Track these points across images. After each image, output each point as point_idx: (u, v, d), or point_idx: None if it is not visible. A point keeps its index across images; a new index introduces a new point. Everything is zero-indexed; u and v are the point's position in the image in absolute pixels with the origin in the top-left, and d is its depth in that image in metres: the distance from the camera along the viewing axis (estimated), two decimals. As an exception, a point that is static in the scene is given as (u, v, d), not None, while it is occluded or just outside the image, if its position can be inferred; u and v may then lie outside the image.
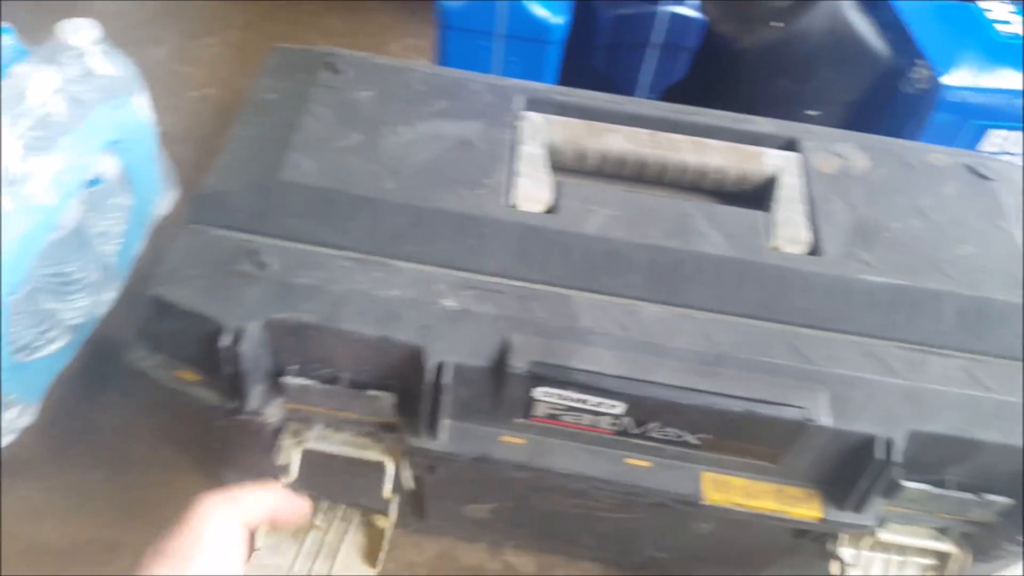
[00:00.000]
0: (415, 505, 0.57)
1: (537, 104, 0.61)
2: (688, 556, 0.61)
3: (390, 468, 0.50)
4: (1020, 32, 0.88)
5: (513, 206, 0.53)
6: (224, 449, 0.59)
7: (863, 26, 0.80)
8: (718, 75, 0.83)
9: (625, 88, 0.86)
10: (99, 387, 0.75)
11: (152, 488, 0.68)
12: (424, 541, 0.67)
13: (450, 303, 0.47)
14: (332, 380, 0.48)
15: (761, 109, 0.63)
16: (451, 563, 0.67)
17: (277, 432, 0.50)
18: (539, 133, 0.58)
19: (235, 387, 0.46)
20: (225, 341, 0.44)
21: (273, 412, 0.49)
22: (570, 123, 0.59)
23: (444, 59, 0.83)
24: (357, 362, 0.47)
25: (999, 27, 0.89)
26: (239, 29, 1.24)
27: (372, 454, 0.50)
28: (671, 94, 0.86)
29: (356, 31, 1.32)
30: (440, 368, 0.45)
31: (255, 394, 0.48)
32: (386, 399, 0.47)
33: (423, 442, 0.48)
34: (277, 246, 0.49)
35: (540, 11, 0.78)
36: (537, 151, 0.56)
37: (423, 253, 0.50)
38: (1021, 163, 0.72)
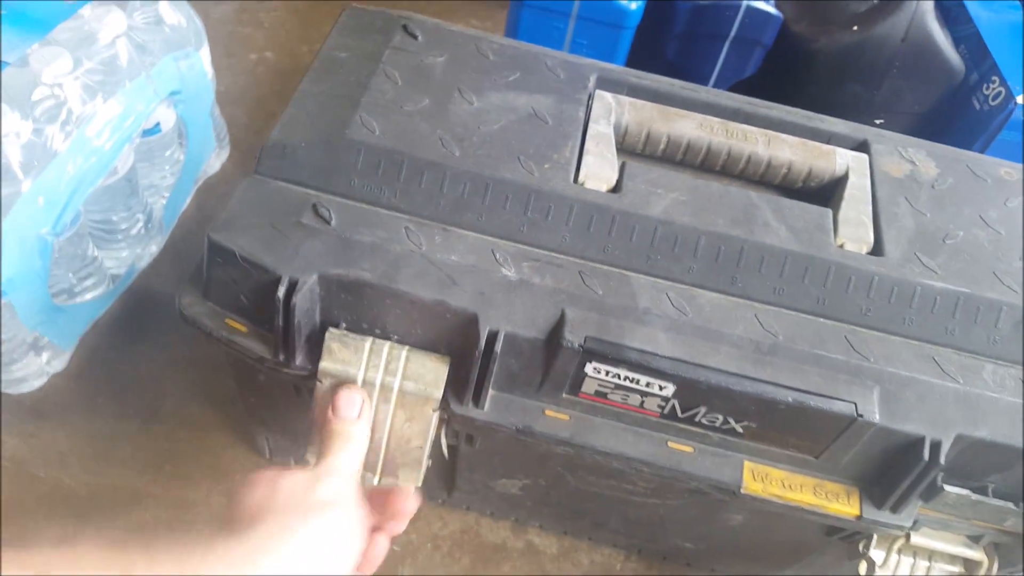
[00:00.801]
0: (446, 476, 0.58)
1: (610, 84, 0.60)
2: (714, 548, 0.61)
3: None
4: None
5: (579, 183, 0.53)
6: (261, 406, 0.59)
7: (941, 38, 0.79)
8: (789, 74, 0.82)
9: (695, 79, 0.85)
10: (133, 339, 0.75)
11: (180, 443, 0.68)
12: (449, 515, 0.68)
13: (509, 273, 0.47)
14: (386, 339, 0.48)
15: (829, 112, 0.62)
16: (474, 538, 0.67)
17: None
18: (610, 113, 0.58)
19: (285, 340, 0.47)
20: (281, 291, 0.45)
21: (319, 368, 0.49)
22: (642, 105, 0.59)
23: (515, 36, 0.83)
24: (410, 324, 0.47)
25: (1079, 49, 0.87)
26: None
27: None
28: (740, 89, 0.85)
29: (420, 8, 1.33)
30: (493, 336, 0.45)
31: (303, 348, 0.48)
32: (435, 362, 0.47)
33: (467, 410, 0.48)
34: (339, 203, 0.50)
35: (619, -5, 0.77)
36: (606, 130, 0.56)
37: (484, 223, 0.50)
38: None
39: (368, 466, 0.50)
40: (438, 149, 0.52)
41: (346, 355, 0.48)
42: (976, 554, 0.51)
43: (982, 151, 0.80)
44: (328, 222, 0.48)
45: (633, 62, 0.84)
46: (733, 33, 0.79)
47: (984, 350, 0.49)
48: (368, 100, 0.54)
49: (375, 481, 0.50)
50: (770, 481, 0.48)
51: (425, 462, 0.50)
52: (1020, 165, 0.61)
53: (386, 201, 0.51)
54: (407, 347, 0.48)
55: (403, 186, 0.51)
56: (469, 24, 1.30)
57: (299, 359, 0.49)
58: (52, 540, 0.32)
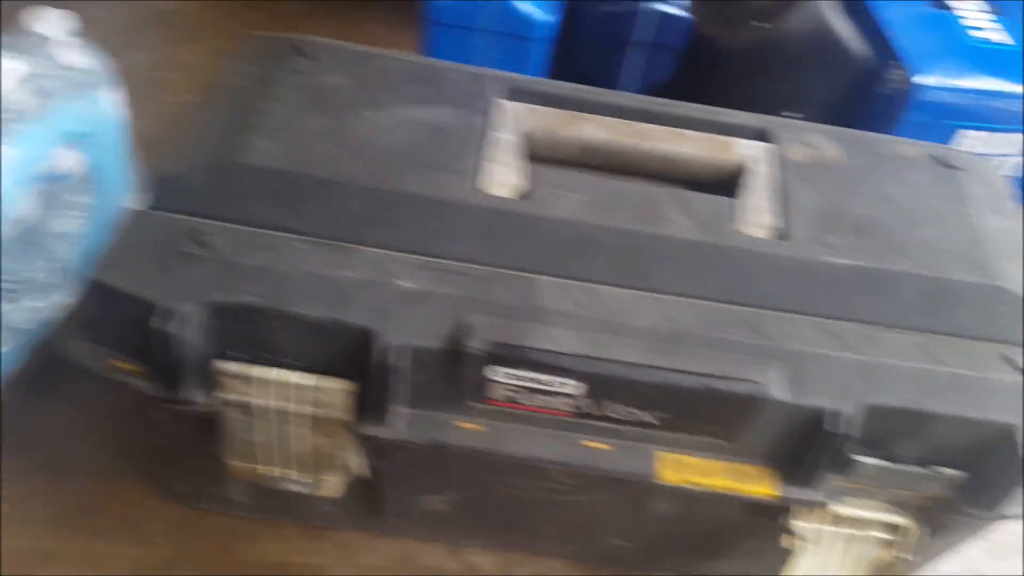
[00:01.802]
0: (372, 499, 0.57)
1: (515, 93, 0.60)
2: (650, 544, 0.60)
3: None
4: (995, 36, 0.89)
5: (482, 191, 0.52)
6: (168, 449, 0.58)
7: (843, 28, 0.81)
8: (703, 75, 0.83)
9: (613, 87, 0.86)
10: (45, 394, 0.72)
11: (92, 496, 0.65)
12: (381, 543, 0.66)
13: (407, 284, 0.47)
14: (280, 366, 0.47)
15: (744, 109, 0.63)
16: (410, 565, 0.65)
17: (218, 426, 0.49)
18: (513, 120, 0.58)
19: (171, 374, 0.46)
20: (158, 323, 0.43)
21: (213, 402, 0.48)
22: (546, 112, 0.59)
23: (430, 55, 0.83)
24: (307, 348, 0.46)
25: (972, 32, 0.90)
26: (226, 37, 1.24)
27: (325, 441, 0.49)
28: (661, 94, 0.86)
29: (347, 38, 1.33)
30: (392, 351, 0.44)
31: (193, 382, 0.47)
32: (337, 385, 0.46)
33: (377, 430, 0.47)
34: (228, 228, 0.49)
35: (527, 8, 0.78)
36: (510, 138, 0.56)
37: (385, 238, 0.50)
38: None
39: (289, 464, 0.48)
40: (334, 167, 0.51)
41: (243, 387, 0.47)
42: (902, 520, 0.51)
43: (891, 133, 0.81)
44: (211, 248, 0.47)
45: (556, 75, 0.85)
46: (644, 38, 0.80)
47: (889, 320, 0.50)
48: (261, 123, 0.53)
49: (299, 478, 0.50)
50: (686, 469, 0.48)
51: (349, 465, 0.49)
52: (921, 142, 0.63)
53: (282, 224, 0.50)
54: (307, 372, 0.47)
55: (299, 207, 0.50)
56: (383, 44, 1.31)
57: (193, 394, 0.47)
58: None
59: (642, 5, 0.78)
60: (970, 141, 0.85)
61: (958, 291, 0.51)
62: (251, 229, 0.49)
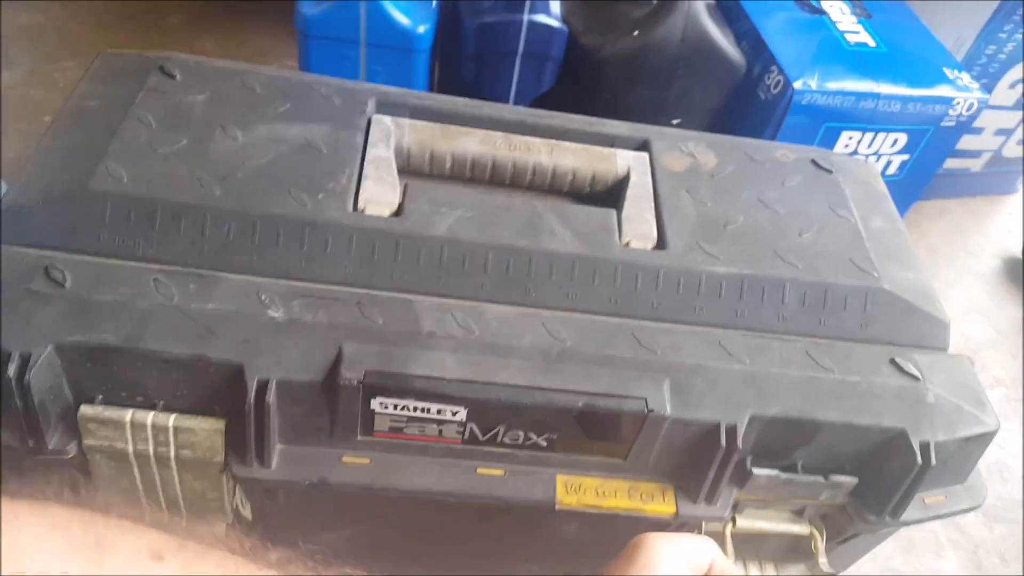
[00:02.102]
0: (259, 539, 0.53)
1: (389, 107, 0.58)
2: (562, 566, 0.59)
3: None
4: (867, 40, 0.92)
5: (358, 210, 0.50)
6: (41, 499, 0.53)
7: (718, 35, 0.82)
8: (583, 84, 0.83)
9: (494, 98, 0.85)
10: None
11: None
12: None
13: (276, 314, 0.44)
14: (147, 408, 0.43)
15: (626, 118, 0.63)
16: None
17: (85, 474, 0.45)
18: (389, 136, 0.55)
19: (29, 424, 0.42)
20: (10, 370, 0.39)
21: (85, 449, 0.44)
22: (423, 126, 0.57)
23: (307, 70, 0.80)
24: (172, 387, 0.43)
25: (848, 36, 0.93)
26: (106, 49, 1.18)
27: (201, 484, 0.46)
28: (540, 104, 0.86)
29: (231, 53, 1.28)
30: (264, 386, 0.42)
31: (58, 429, 0.43)
32: (206, 425, 0.43)
33: (252, 471, 0.44)
34: (80, 262, 0.45)
35: (402, 18, 0.76)
36: (386, 154, 0.54)
37: (253, 264, 0.47)
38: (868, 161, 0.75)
39: (164, 509, 0.45)
40: (197, 191, 0.48)
41: (107, 432, 0.44)
42: (803, 528, 0.51)
43: (773, 138, 0.83)
44: (63, 285, 0.43)
45: (440, 88, 0.84)
46: (521, 49, 0.79)
47: (773, 327, 0.50)
48: (116, 147, 0.50)
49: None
50: (584, 491, 0.47)
51: (228, 507, 0.46)
52: (799, 146, 0.64)
53: (141, 253, 0.46)
54: (175, 413, 0.43)
55: (159, 235, 0.47)
56: (285, 65, 1.27)
57: (55, 442, 0.43)
58: None
59: (515, 17, 0.77)
60: (851, 143, 0.88)
61: (842, 295, 0.51)
62: (107, 261, 0.46)
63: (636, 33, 0.78)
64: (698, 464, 0.46)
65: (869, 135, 0.87)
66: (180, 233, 0.47)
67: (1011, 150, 1.37)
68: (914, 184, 1.00)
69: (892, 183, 0.98)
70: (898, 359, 0.49)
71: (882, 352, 0.50)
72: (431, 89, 0.84)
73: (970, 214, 1.44)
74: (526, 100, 0.85)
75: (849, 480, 0.47)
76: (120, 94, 0.54)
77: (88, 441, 0.44)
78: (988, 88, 1.18)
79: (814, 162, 0.61)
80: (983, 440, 0.49)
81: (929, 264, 1.31)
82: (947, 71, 0.93)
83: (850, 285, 0.51)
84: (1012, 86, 1.22)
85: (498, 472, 0.47)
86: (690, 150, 0.59)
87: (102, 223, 0.46)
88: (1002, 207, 1.48)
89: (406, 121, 0.57)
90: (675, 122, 0.84)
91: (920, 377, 0.48)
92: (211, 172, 0.49)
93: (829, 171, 0.60)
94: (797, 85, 0.81)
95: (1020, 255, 1.37)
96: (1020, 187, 1.49)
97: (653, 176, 0.57)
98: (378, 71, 0.78)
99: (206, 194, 0.48)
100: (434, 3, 0.79)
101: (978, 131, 1.26)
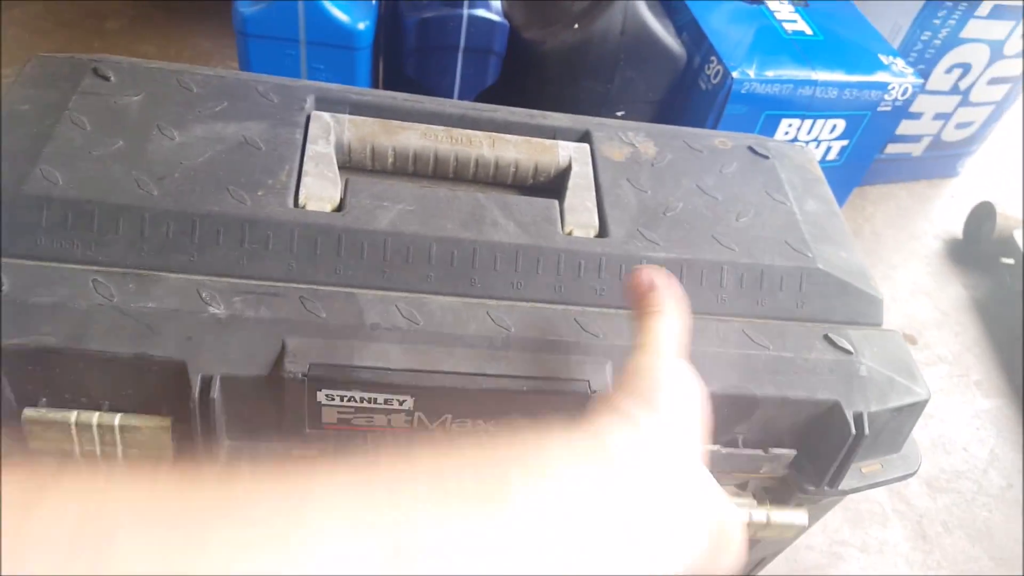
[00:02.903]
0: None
1: (330, 104, 0.59)
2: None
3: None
4: (804, 29, 0.95)
5: (299, 206, 0.50)
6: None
7: (658, 27, 0.84)
8: (527, 78, 0.84)
9: (439, 94, 0.85)
10: None
11: None
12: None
13: (218, 311, 0.44)
14: (91, 408, 0.43)
15: (571, 111, 0.64)
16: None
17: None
18: (329, 132, 0.56)
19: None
20: (-52, 375, 0.39)
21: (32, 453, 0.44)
22: (363, 121, 0.57)
23: (248, 70, 0.79)
24: (116, 387, 0.43)
25: (786, 25, 0.95)
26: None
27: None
28: (485, 99, 0.86)
29: (173, 57, 1.26)
30: (208, 382, 0.42)
31: (3, 433, 0.43)
32: (151, 423, 0.43)
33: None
34: (18, 265, 0.44)
35: (340, 15, 0.76)
36: (326, 150, 0.54)
37: (195, 263, 0.47)
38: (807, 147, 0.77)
39: None
40: (134, 191, 0.48)
41: (52, 434, 0.43)
42: (746, 500, 0.53)
43: (714, 128, 0.85)
44: (1, 289, 0.42)
45: (386, 85, 0.84)
46: (462, 43, 0.80)
47: (712, 309, 0.51)
48: (50, 151, 0.49)
49: None
50: (532, 476, 0.47)
51: None
52: (737, 134, 0.65)
53: (80, 256, 0.46)
54: (119, 413, 0.43)
55: (97, 237, 0.46)
56: (229, 68, 1.26)
57: (6, 446, 0.43)
58: None
59: (455, 12, 0.78)
60: (791, 130, 0.90)
61: (778, 276, 0.53)
62: (46, 264, 0.45)
63: (576, 26, 0.79)
64: (642, 444, 0.47)
65: (808, 122, 0.90)
66: (118, 234, 0.47)
67: (950, 134, 1.41)
68: (855, 169, 1.03)
69: (833, 169, 1.01)
70: (832, 335, 0.51)
71: (817, 329, 0.52)
72: (376, 86, 0.84)
73: (913, 197, 1.48)
74: (471, 95, 0.86)
75: (788, 452, 0.49)
76: (53, 97, 0.54)
77: (34, 443, 0.44)
78: (925, 74, 1.22)
79: (751, 149, 0.62)
80: (915, 409, 0.51)
81: (874, 247, 1.35)
82: (883, 57, 0.96)
83: (786, 266, 0.53)
84: (948, 71, 1.26)
85: (447, 460, 0.47)
86: (630, 140, 0.61)
87: (39, 227, 0.46)
88: (944, 190, 1.53)
89: (346, 117, 0.57)
90: (619, 114, 0.85)
91: (853, 351, 0.50)
92: (148, 172, 0.49)
93: (766, 157, 0.62)
94: (736, 75, 0.82)
95: (961, 236, 1.41)
96: (961, 170, 1.54)
97: (594, 166, 0.58)
98: (319, 69, 0.77)
99: (144, 195, 0.48)
100: (374, 0, 0.80)
101: (917, 116, 1.30)
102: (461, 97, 0.86)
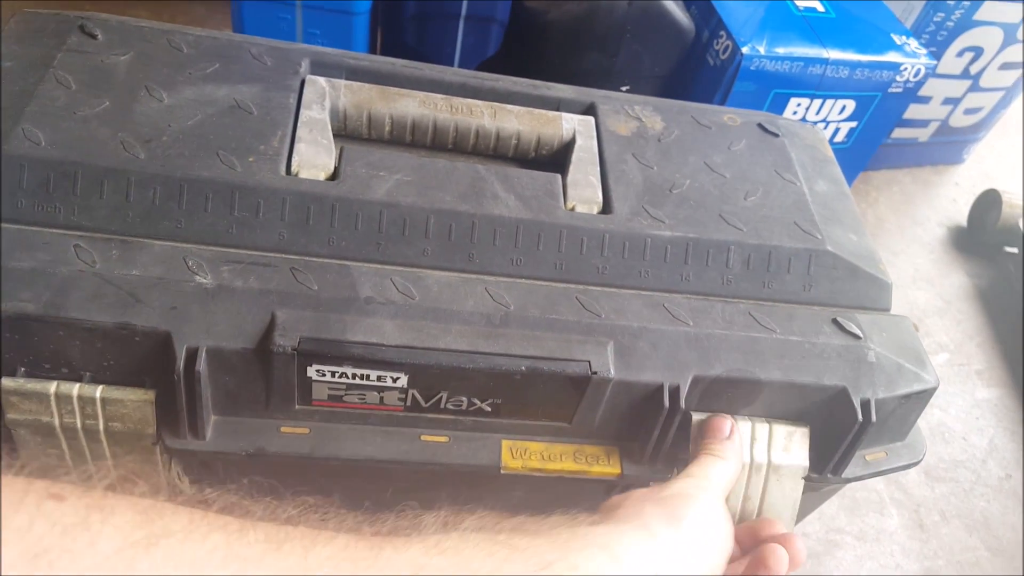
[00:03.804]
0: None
1: (325, 68, 0.56)
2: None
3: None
4: (816, 6, 0.92)
5: (292, 174, 0.48)
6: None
7: (668, 1, 0.81)
8: (529, 49, 0.81)
9: (439, 62, 0.83)
10: None
11: None
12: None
13: (205, 280, 0.42)
14: (71, 379, 0.42)
15: (575, 83, 0.61)
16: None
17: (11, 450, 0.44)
18: (324, 97, 0.53)
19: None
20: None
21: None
22: (359, 87, 0.55)
23: (241, 33, 0.77)
24: (98, 357, 0.41)
25: (798, 2, 0.93)
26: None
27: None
28: (486, 68, 0.84)
29: (167, 21, 1.23)
30: (193, 354, 0.40)
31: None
32: (133, 396, 0.41)
33: (186, 443, 0.43)
34: (-2, 228, 0.42)
35: (339, -22, 0.74)
36: (320, 116, 0.52)
37: (181, 230, 0.45)
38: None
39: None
40: (120, 154, 0.46)
41: (31, 405, 0.42)
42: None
43: (722, 104, 0.83)
44: (-24, 253, 0.41)
45: (384, 53, 0.81)
46: (464, 11, 0.77)
47: (718, 290, 0.50)
48: (34, 109, 0.47)
49: None
50: (529, 456, 0.46)
51: (164, 481, 0.45)
52: (746, 111, 0.63)
53: (62, 220, 0.44)
54: (101, 385, 0.42)
55: (81, 200, 0.44)
56: (207, 27, 1.23)
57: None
58: None
59: (459, -24, 0.76)
60: (800, 109, 0.88)
61: (786, 257, 0.51)
62: (30, 228, 0.43)
63: (584, -4, 0.77)
64: (642, 425, 0.46)
65: (817, 101, 0.88)
66: (102, 198, 0.45)
67: (958, 120, 1.39)
68: (862, 152, 1.01)
69: (840, 151, 0.99)
70: (840, 319, 0.49)
71: (825, 313, 0.50)
72: (374, 54, 0.82)
73: (918, 184, 1.46)
74: (471, 64, 0.84)
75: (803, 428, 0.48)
76: (38, 54, 0.51)
77: (11, 415, 0.42)
78: (936, 57, 1.20)
79: (761, 126, 0.60)
80: (923, 397, 0.50)
81: (877, 233, 1.33)
82: (895, 37, 0.94)
83: (794, 248, 0.51)
84: (960, 54, 1.24)
85: (442, 439, 0.46)
86: (636, 114, 0.59)
87: (19, 188, 0.44)
88: (949, 177, 1.51)
89: (341, 82, 0.55)
90: (624, 88, 0.83)
91: (861, 336, 0.48)
92: (135, 135, 0.47)
93: (776, 135, 0.60)
94: (745, 50, 0.80)
95: (965, 224, 1.40)
96: (966, 157, 1.52)
97: (599, 140, 0.56)
98: (315, 35, 0.75)
99: (130, 158, 0.46)
100: (375, -36, 0.77)
101: (925, 100, 1.28)
102: (461, 66, 0.83)
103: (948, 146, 1.45)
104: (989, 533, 0.97)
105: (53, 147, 0.45)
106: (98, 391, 0.41)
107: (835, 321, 0.49)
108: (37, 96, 0.48)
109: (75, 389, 0.41)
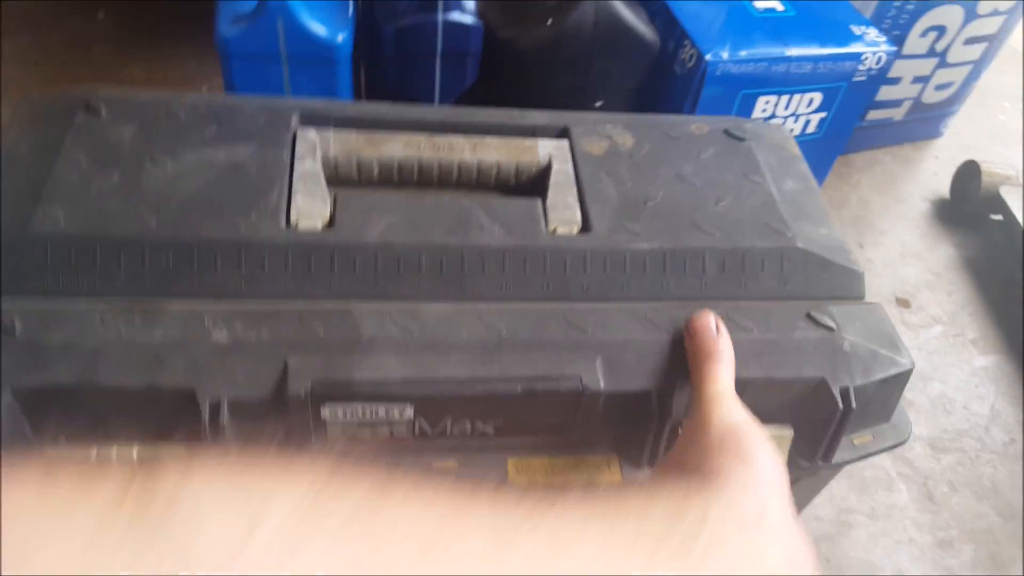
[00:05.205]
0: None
1: (314, 119, 0.60)
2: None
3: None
4: (775, 6, 0.96)
5: (291, 226, 0.52)
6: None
7: (630, 16, 0.85)
8: (505, 77, 0.85)
9: (420, 98, 0.87)
10: None
11: None
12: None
13: (221, 337, 0.46)
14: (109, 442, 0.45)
15: (550, 106, 0.65)
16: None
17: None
18: (315, 149, 0.57)
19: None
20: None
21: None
22: (347, 135, 0.59)
23: (233, 90, 0.81)
24: (131, 419, 0.44)
25: (757, 4, 0.96)
26: (36, 86, 1.17)
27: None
28: (466, 99, 0.88)
29: (160, 79, 1.27)
30: (216, 407, 0.44)
31: (26, 466, 0.45)
32: (170, 452, 0.45)
33: (218, 484, 0.46)
34: (30, 306, 0.46)
35: (319, 29, 0.77)
36: (312, 167, 0.56)
37: (195, 289, 0.49)
38: (785, 125, 0.79)
39: None
40: (133, 224, 0.50)
41: (73, 465, 0.45)
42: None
43: (692, 111, 0.86)
44: (12, 332, 0.44)
45: (368, 94, 0.85)
46: (440, 49, 0.81)
47: (697, 295, 0.53)
48: (51, 189, 0.51)
49: None
50: (534, 472, 0.49)
51: None
52: (712, 117, 0.67)
53: (85, 290, 0.48)
54: (137, 445, 0.45)
55: (101, 271, 0.48)
56: (215, 86, 1.27)
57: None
58: None
59: (430, 18, 0.79)
60: (768, 107, 0.92)
61: (759, 257, 0.54)
62: (53, 302, 0.47)
63: (550, 22, 0.80)
64: (637, 432, 0.49)
65: (785, 97, 0.91)
66: (120, 267, 0.48)
67: (930, 96, 1.42)
68: (835, 140, 1.04)
69: (814, 141, 1.02)
70: (813, 312, 0.52)
71: (800, 307, 0.53)
72: (359, 95, 0.86)
73: (898, 161, 1.49)
74: (451, 97, 0.87)
75: (782, 430, 0.51)
76: (49, 136, 0.55)
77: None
78: (900, 39, 1.23)
79: (727, 132, 0.64)
80: (900, 380, 0.53)
81: (862, 214, 1.36)
82: (855, 28, 0.97)
83: (766, 247, 0.55)
84: (923, 34, 1.27)
85: (451, 464, 0.49)
86: (608, 133, 0.62)
87: (45, 265, 0.48)
88: (928, 152, 1.54)
89: (330, 133, 0.59)
90: (598, 104, 0.86)
91: (835, 327, 0.52)
92: (145, 204, 0.51)
93: (742, 139, 0.63)
94: (709, 57, 0.84)
95: (948, 196, 1.42)
96: (944, 131, 1.55)
97: (574, 162, 0.59)
98: (303, 84, 0.79)
99: (141, 226, 0.49)
100: (350, 11, 0.81)
101: (895, 81, 1.31)
102: (442, 99, 0.87)
103: (924, 122, 1.48)
104: (999, 499, 0.99)
105: (72, 223, 0.49)
106: (135, 452, 0.45)
107: (809, 315, 0.52)
108: (52, 177, 0.52)
109: (113, 452, 0.45)
